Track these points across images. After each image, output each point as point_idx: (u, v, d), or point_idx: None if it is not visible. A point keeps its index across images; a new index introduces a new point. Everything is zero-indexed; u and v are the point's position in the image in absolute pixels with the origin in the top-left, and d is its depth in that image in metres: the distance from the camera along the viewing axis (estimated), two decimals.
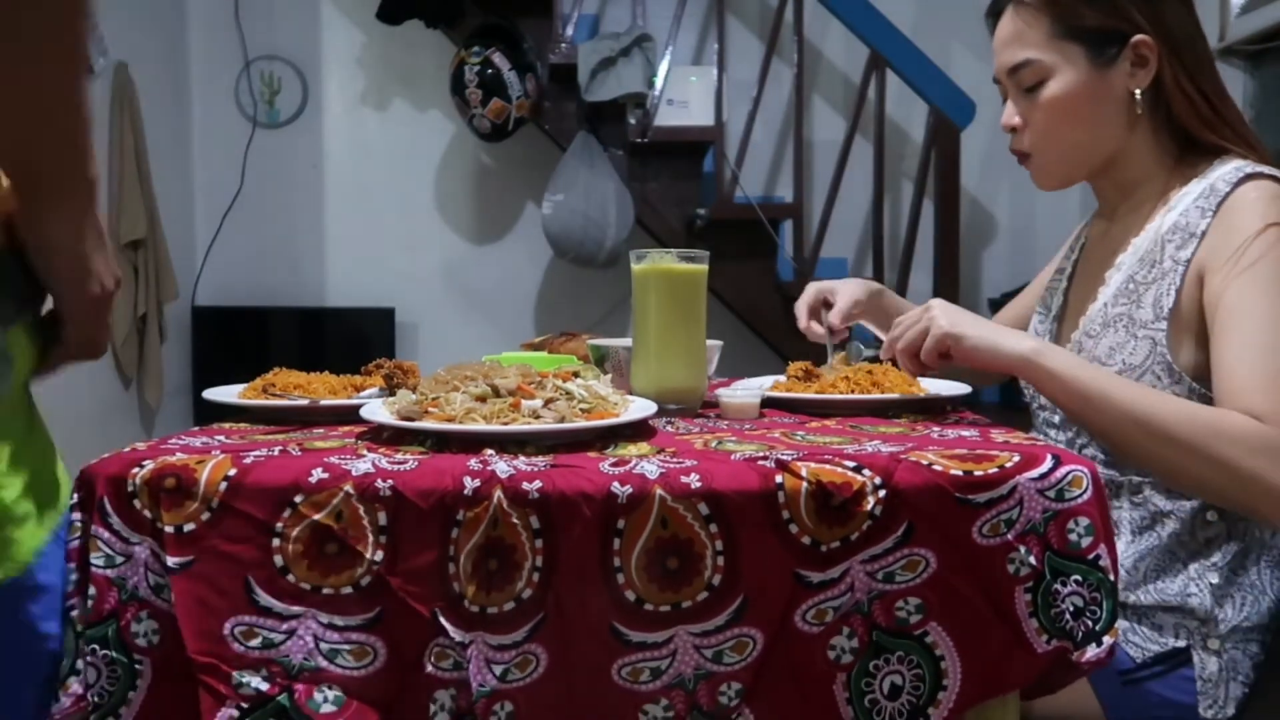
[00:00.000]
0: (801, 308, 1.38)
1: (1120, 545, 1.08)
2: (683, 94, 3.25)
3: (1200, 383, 1.04)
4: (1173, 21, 1.08)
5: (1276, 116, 2.81)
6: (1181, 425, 0.96)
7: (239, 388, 1.10)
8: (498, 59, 3.12)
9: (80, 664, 0.76)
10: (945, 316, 1.07)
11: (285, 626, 0.75)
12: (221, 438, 0.90)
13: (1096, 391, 1.00)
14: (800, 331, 1.40)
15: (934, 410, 1.11)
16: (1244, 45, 2.79)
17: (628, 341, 1.19)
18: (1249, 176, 1.04)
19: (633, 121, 3.20)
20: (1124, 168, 1.15)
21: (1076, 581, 0.78)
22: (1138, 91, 1.09)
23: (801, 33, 3.26)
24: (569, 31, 3.25)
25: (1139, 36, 1.07)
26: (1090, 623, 0.78)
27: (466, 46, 3.18)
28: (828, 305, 1.37)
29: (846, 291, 1.36)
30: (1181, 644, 1.04)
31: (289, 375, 1.10)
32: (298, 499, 0.75)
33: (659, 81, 3.18)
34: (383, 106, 3.63)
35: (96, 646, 0.75)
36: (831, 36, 3.54)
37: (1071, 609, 0.78)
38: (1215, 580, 1.04)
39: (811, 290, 1.38)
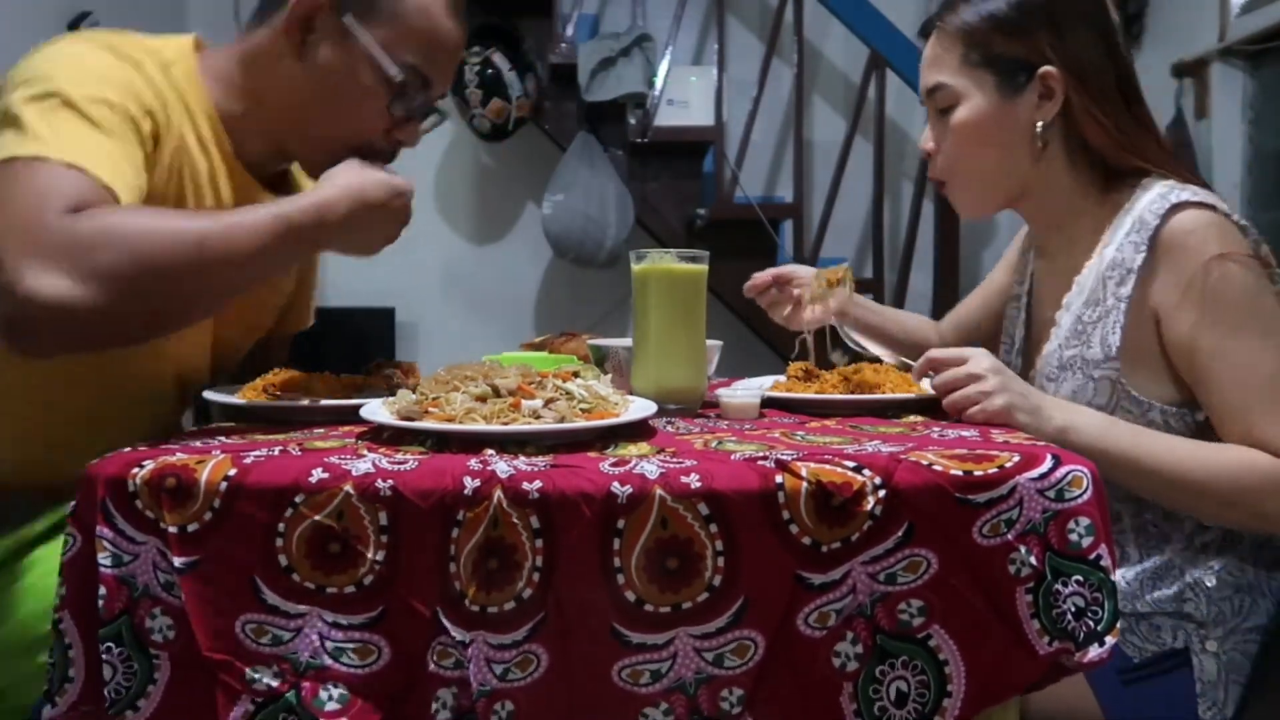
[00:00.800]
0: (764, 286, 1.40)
1: (1126, 569, 1.09)
2: (683, 94, 3.25)
3: (1171, 407, 1.06)
4: (1081, 52, 1.10)
5: (1276, 116, 2.81)
6: (1210, 480, 1.00)
7: (239, 388, 1.09)
8: (498, 59, 3.12)
9: (73, 672, 0.76)
10: (1002, 395, 1.01)
11: (293, 624, 0.75)
12: (221, 438, 0.90)
13: (1125, 460, 1.01)
14: (793, 330, 1.39)
15: (934, 410, 1.11)
16: (1244, 45, 2.79)
17: (628, 341, 1.19)
18: (1175, 207, 1.04)
19: (633, 121, 3.20)
20: (1044, 197, 1.17)
21: (1078, 582, 0.77)
22: (1040, 124, 1.11)
23: (801, 33, 3.26)
24: (569, 31, 3.25)
25: (1046, 69, 1.10)
26: (1092, 623, 0.78)
27: (466, 46, 3.18)
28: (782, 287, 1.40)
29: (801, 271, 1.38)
30: (1180, 645, 1.05)
31: (289, 375, 1.09)
32: (298, 499, 0.75)
33: (659, 81, 3.18)
34: None
35: (112, 645, 0.76)
36: (831, 36, 3.54)
37: (1073, 609, 0.77)
38: (1212, 584, 1.05)
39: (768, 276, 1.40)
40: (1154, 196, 1.07)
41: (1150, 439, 1.03)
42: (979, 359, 1.04)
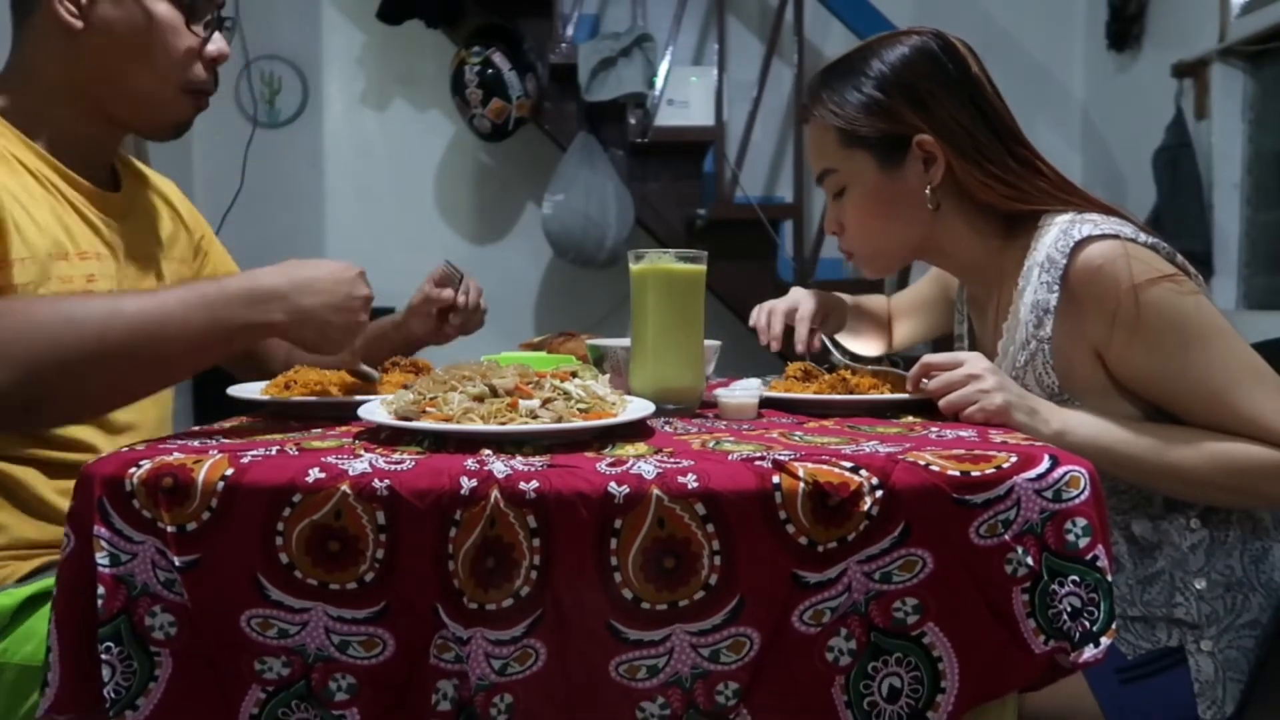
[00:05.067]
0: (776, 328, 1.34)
1: (1121, 578, 1.10)
2: (683, 94, 3.26)
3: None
4: (948, 116, 1.11)
5: (1276, 116, 2.81)
6: (1213, 471, 1.01)
7: (260, 385, 1.10)
8: (498, 59, 3.13)
9: (50, 676, 0.76)
10: (1000, 393, 1.01)
11: (298, 618, 0.76)
12: (219, 437, 0.90)
13: (1126, 457, 1.02)
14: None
15: (931, 411, 1.11)
16: (1244, 45, 2.79)
17: (626, 342, 1.19)
18: (1079, 244, 1.04)
19: (633, 121, 3.20)
20: (949, 249, 1.20)
21: (1074, 582, 0.78)
22: (929, 189, 1.13)
23: (801, 33, 3.26)
24: (569, 31, 3.25)
25: (920, 137, 1.12)
26: (1088, 623, 0.78)
27: (467, 46, 3.18)
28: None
29: (805, 304, 1.34)
30: (1174, 644, 1.05)
31: (309, 373, 1.10)
32: (295, 498, 0.75)
33: (659, 81, 3.19)
34: (383, 106, 3.63)
35: (111, 644, 0.76)
36: (831, 36, 3.53)
37: (1069, 609, 0.78)
38: (1201, 586, 1.05)
39: (780, 315, 1.35)
40: (1056, 234, 1.07)
41: (1150, 434, 1.03)
42: (975, 361, 1.04)
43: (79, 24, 1.07)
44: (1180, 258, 1.06)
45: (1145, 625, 1.07)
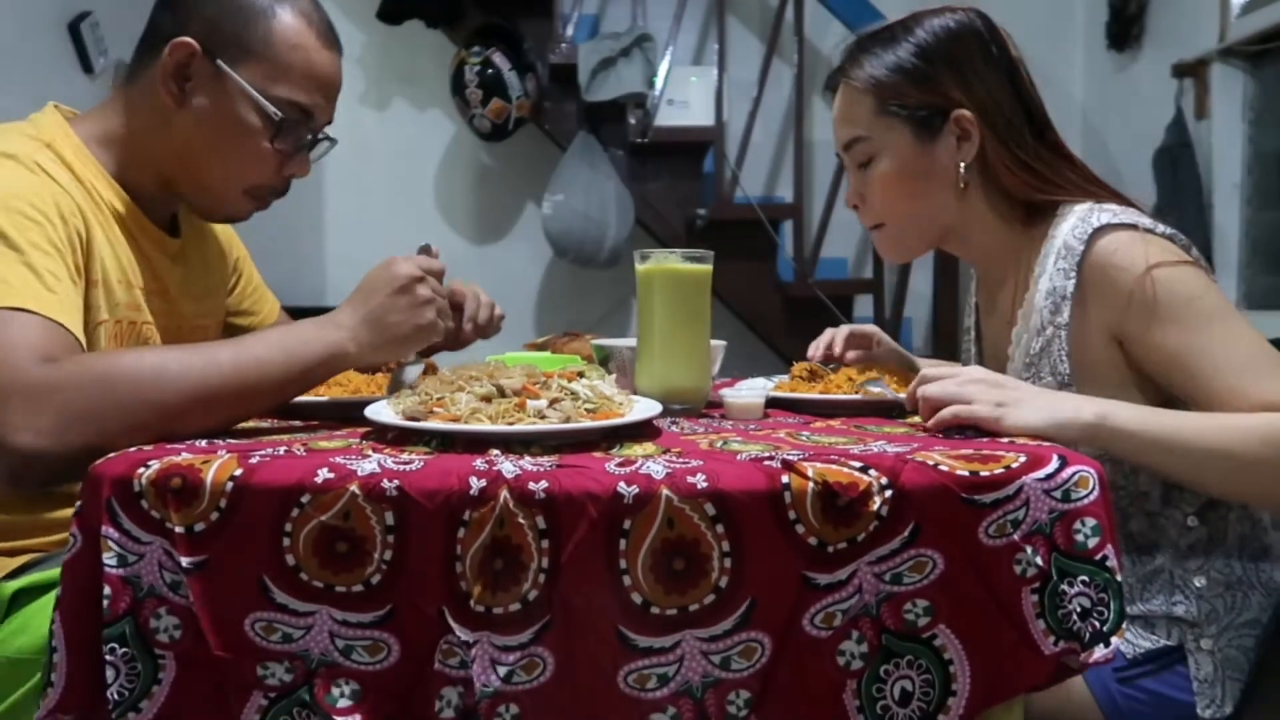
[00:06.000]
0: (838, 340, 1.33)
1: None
2: (683, 94, 3.25)
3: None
4: (987, 93, 1.10)
5: (1276, 116, 2.82)
6: (1263, 448, 0.94)
7: None
8: (498, 59, 3.12)
9: (55, 677, 0.76)
10: (988, 394, 0.95)
11: (303, 622, 0.75)
12: (227, 438, 0.90)
13: (1176, 441, 0.96)
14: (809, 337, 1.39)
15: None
16: (1244, 45, 2.80)
17: (632, 342, 1.19)
18: (1097, 231, 1.04)
19: (633, 121, 3.20)
20: (970, 234, 1.18)
21: (1084, 582, 0.77)
22: (962, 165, 1.12)
23: (802, 33, 3.26)
24: (569, 31, 3.25)
25: (959, 111, 1.10)
26: (1098, 623, 0.77)
27: (467, 46, 3.18)
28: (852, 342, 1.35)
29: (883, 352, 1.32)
30: (1174, 643, 1.05)
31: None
32: (304, 499, 0.75)
33: (659, 81, 3.18)
34: (383, 106, 3.63)
35: (115, 645, 0.75)
36: (831, 36, 3.53)
37: (1079, 610, 0.77)
38: (1201, 584, 1.05)
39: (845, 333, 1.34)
40: (1075, 221, 1.06)
41: (1192, 418, 0.99)
42: (971, 371, 1.00)
43: (173, 104, 1.10)
44: (1195, 250, 1.05)
45: (1144, 624, 1.07)
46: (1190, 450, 0.96)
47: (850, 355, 1.31)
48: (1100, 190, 1.12)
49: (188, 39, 1.08)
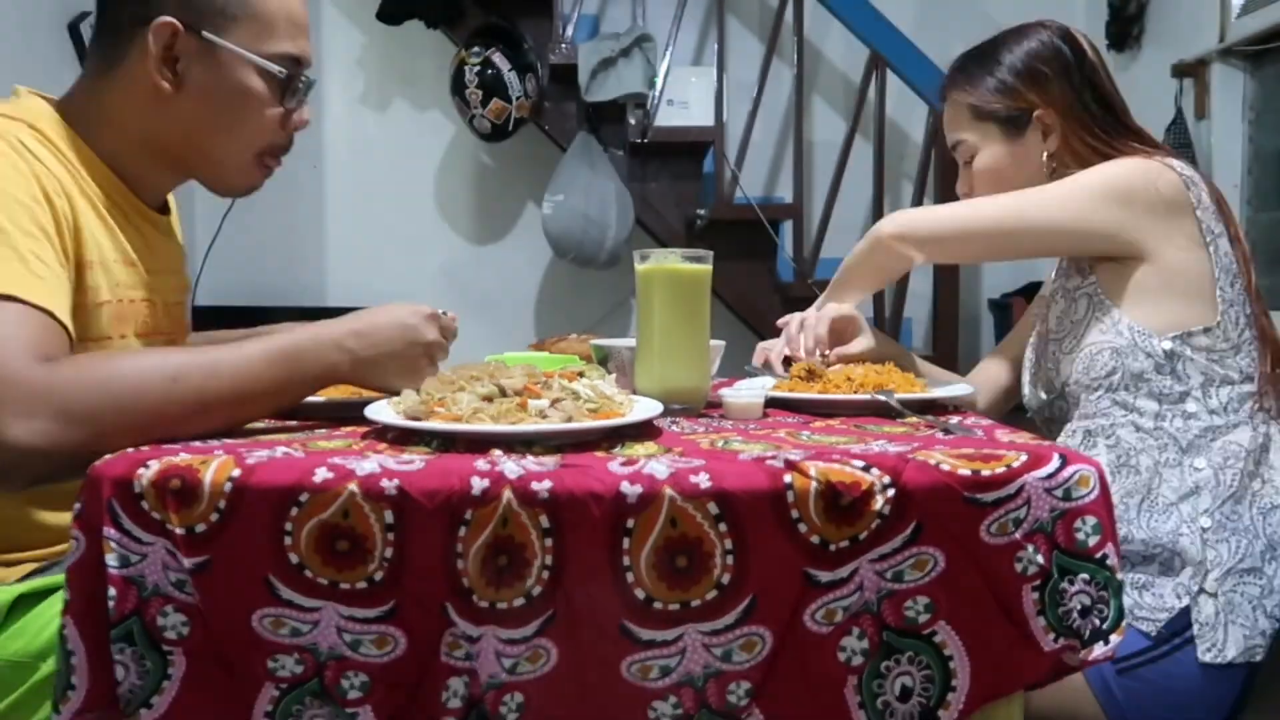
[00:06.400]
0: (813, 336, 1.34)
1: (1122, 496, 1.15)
2: (683, 94, 3.25)
3: (1137, 324, 1.19)
4: (1062, 95, 1.31)
5: (1276, 116, 2.82)
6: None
7: None
8: (498, 59, 3.12)
9: (75, 679, 0.76)
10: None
11: (310, 617, 0.76)
12: (225, 438, 0.90)
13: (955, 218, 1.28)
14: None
15: (937, 411, 1.11)
16: (1244, 45, 2.80)
17: (631, 342, 1.19)
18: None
19: (633, 122, 3.20)
20: None
21: (1084, 580, 0.78)
22: (1045, 154, 1.32)
23: (801, 33, 3.26)
24: (569, 31, 3.25)
25: (1039, 112, 1.31)
26: (1098, 621, 0.78)
27: (466, 46, 3.18)
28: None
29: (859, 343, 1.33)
30: (1184, 603, 1.08)
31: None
32: (303, 498, 0.75)
33: (659, 81, 3.18)
34: (383, 106, 3.63)
35: (123, 645, 0.75)
36: (831, 36, 3.54)
37: (1079, 608, 0.78)
38: (1206, 524, 1.10)
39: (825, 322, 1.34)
40: None
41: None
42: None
43: (170, 89, 1.06)
44: (1229, 209, 1.25)
45: (1155, 595, 1.10)
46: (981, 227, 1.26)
47: (835, 354, 1.30)
48: (1166, 150, 1.31)
49: (167, 19, 1.04)
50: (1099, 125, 1.31)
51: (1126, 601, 1.08)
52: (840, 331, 1.32)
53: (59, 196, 1.00)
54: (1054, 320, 1.28)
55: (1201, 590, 1.08)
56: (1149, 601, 1.10)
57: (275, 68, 1.09)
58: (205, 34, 1.06)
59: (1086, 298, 1.23)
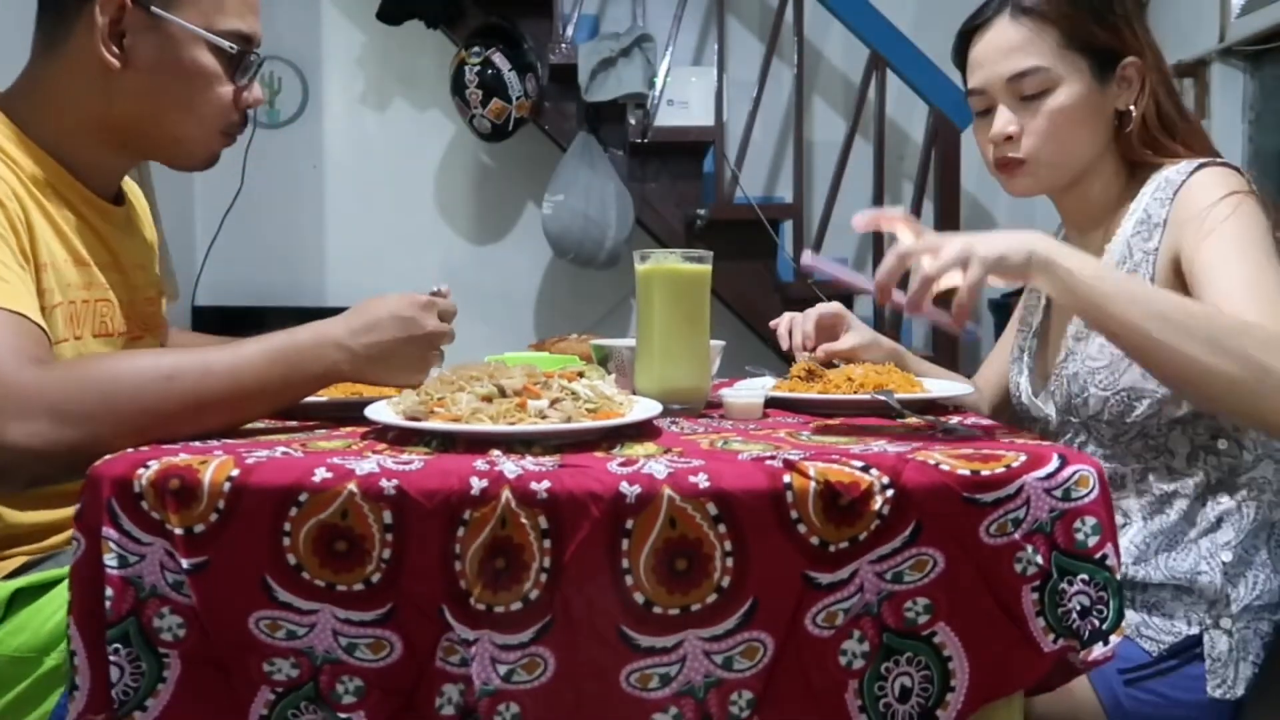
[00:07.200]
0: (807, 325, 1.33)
1: (1132, 532, 1.11)
2: (683, 94, 3.25)
3: None
4: (1151, 49, 1.16)
5: (1276, 116, 2.81)
6: (1200, 320, 0.92)
7: None
8: (498, 59, 3.12)
9: (79, 680, 0.76)
10: (956, 241, 0.95)
11: (306, 620, 0.76)
12: (223, 438, 0.90)
13: (1117, 290, 0.93)
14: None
15: (937, 411, 1.11)
16: (1244, 45, 2.80)
17: (631, 342, 1.19)
18: (1200, 166, 1.09)
19: (633, 122, 3.20)
20: (1090, 183, 1.19)
21: (1083, 580, 0.78)
22: (1132, 108, 1.15)
23: (801, 33, 3.26)
24: (569, 31, 3.25)
25: (1130, 59, 1.14)
26: (1097, 621, 0.78)
27: (466, 46, 3.17)
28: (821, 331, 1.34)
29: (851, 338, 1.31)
30: (1195, 631, 1.05)
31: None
32: (302, 498, 0.75)
33: (659, 81, 3.18)
34: (383, 106, 3.62)
35: (119, 645, 0.75)
36: (831, 36, 3.54)
37: (1078, 608, 0.78)
38: (1228, 559, 1.06)
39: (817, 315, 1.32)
40: (1182, 164, 1.11)
41: (1140, 280, 1.06)
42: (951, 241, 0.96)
43: (117, 64, 1.05)
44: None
45: (1165, 616, 1.07)
46: (1122, 302, 0.92)
47: (822, 350, 1.28)
48: (1215, 154, 1.15)
49: None
50: (1174, 100, 1.16)
51: (1134, 618, 1.07)
52: (829, 327, 1.31)
53: (10, 200, 0.99)
54: (1094, 348, 1.12)
55: (1217, 625, 1.04)
56: (1157, 623, 1.07)
57: (226, 44, 1.08)
58: (154, 9, 1.04)
59: None
